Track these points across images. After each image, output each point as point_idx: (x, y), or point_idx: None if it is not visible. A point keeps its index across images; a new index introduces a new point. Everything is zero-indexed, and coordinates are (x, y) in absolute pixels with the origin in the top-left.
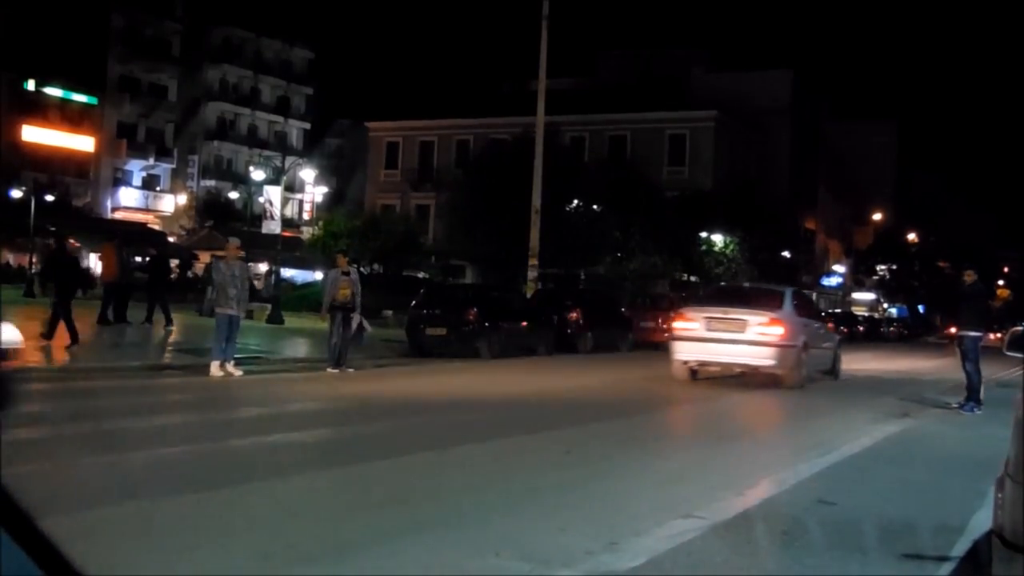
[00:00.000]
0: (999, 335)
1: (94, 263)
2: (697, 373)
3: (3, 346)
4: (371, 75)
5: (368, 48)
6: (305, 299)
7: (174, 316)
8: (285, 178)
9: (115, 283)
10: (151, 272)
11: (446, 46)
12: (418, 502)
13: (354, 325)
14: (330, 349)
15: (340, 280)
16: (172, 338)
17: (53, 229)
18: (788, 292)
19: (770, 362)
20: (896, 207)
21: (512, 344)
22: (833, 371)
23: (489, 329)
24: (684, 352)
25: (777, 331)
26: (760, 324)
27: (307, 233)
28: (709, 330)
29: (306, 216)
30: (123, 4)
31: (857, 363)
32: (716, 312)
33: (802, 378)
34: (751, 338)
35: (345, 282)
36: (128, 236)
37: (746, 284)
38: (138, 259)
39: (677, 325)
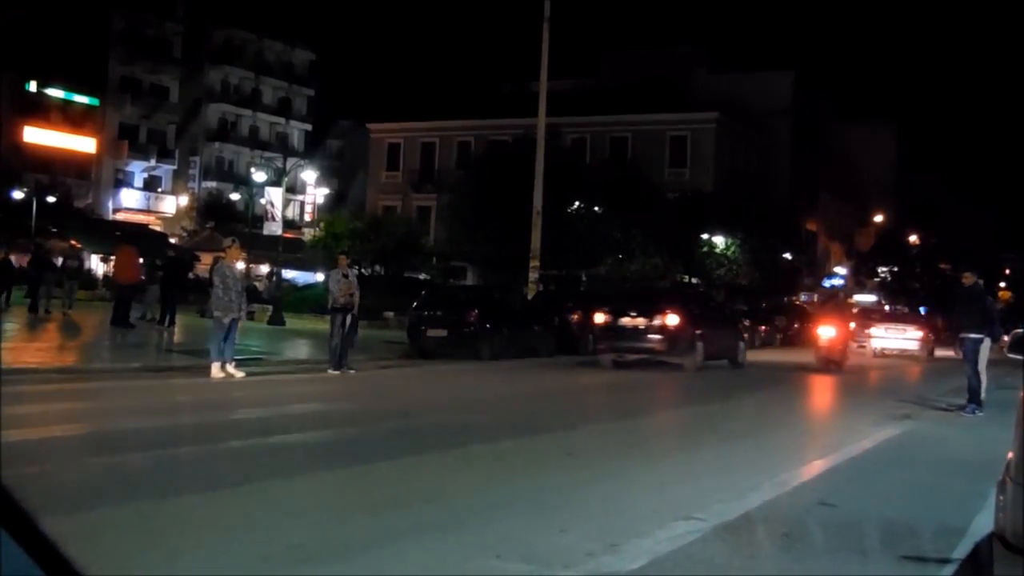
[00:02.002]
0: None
1: (95, 264)
2: (877, 355)
3: None
4: (372, 76)
5: (369, 49)
6: (306, 300)
7: (176, 317)
8: (286, 179)
9: (133, 285)
10: (167, 274)
11: (447, 47)
12: (419, 503)
13: (337, 326)
14: (331, 350)
15: (341, 282)
16: (173, 339)
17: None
18: (924, 311)
19: (915, 348)
20: (897, 208)
21: (513, 346)
22: (931, 354)
23: (490, 331)
24: (875, 342)
25: (920, 333)
26: (913, 329)
27: (308, 234)
28: (886, 332)
29: (307, 217)
30: (124, 5)
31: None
32: (890, 324)
33: (927, 358)
34: (908, 336)
35: (345, 284)
36: (131, 238)
37: (904, 310)
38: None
39: (870, 331)
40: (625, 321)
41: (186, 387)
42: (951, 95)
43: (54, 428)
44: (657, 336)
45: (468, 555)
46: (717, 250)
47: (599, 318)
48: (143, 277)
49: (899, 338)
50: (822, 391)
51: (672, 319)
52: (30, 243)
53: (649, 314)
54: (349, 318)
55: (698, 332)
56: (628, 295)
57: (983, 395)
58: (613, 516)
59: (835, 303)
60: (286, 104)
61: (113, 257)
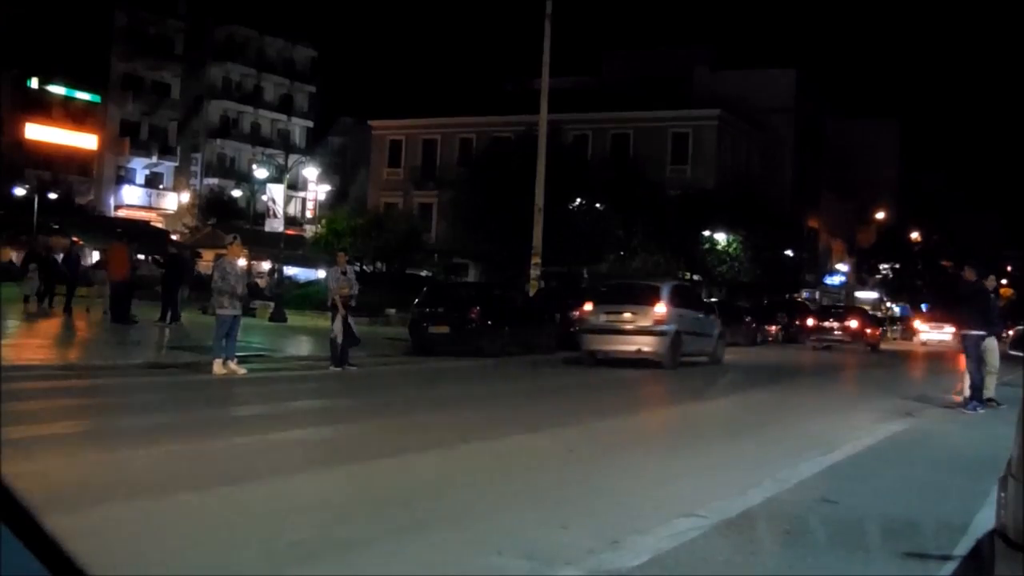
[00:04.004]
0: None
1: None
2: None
3: None
4: (374, 73)
5: (371, 46)
6: (308, 297)
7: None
8: (288, 176)
9: (126, 282)
10: (168, 271)
11: (449, 44)
12: (420, 500)
13: (338, 323)
14: (332, 347)
15: (339, 280)
16: (176, 336)
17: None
18: (925, 309)
19: (950, 340)
20: (899, 206)
21: (515, 342)
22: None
23: (492, 327)
24: (922, 336)
25: (953, 329)
26: (947, 326)
27: (310, 231)
28: (930, 328)
29: (309, 214)
30: (126, 2)
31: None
32: (931, 322)
33: (958, 346)
34: (944, 331)
35: (344, 282)
36: (132, 234)
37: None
38: (150, 257)
39: (917, 327)
40: (825, 323)
41: (188, 384)
42: (953, 92)
43: (56, 425)
44: (842, 332)
45: (470, 552)
46: (719, 247)
47: (810, 322)
48: (138, 272)
49: (938, 333)
50: (858, 380)
51: (854, 322)
52: (31, 240)
53: (841, 319)
54: (342, 315)
55: (865, 330)
56: (827, 309)
57: (993, 392)
58: (614, 513)
59: None
60: (288, 101)
61: (64, 253)
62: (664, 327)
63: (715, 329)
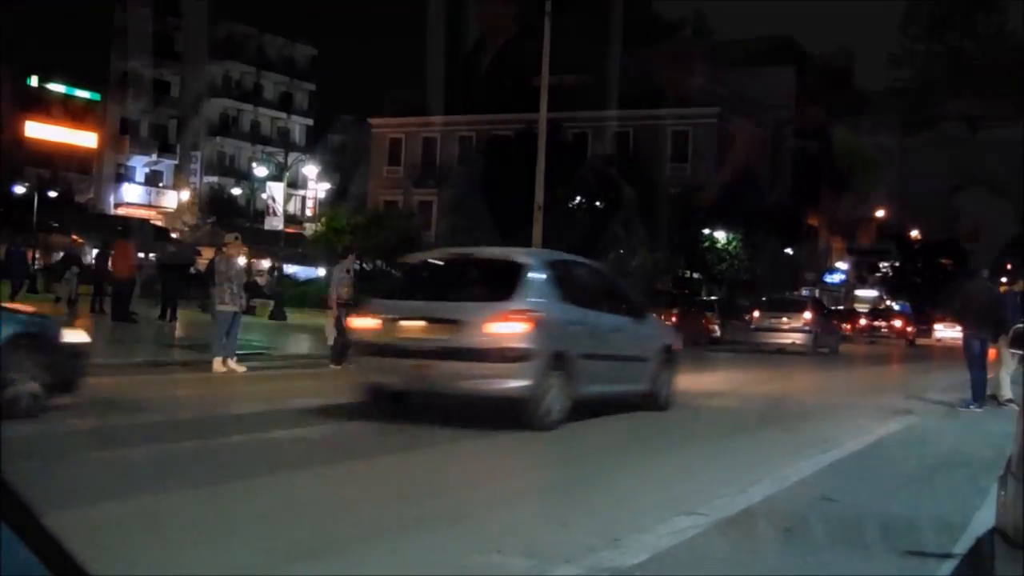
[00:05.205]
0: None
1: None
2: (938, 341)
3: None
4: (373, 71)
5: (370, 44)
6: (307, 295)
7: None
8: (288, 174)
9: (129, 279)
10: (168, 269)
11: (448, 41)
12: (420, 498)
13: (330, 323)
14: (332, 345)
15: (344, 279)
16: (175, 334)
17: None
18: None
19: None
20: (899, 203)
21: None
22: None
23: None
24: (938, 333)
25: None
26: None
27: (310, 229)
28: (944, 327)
29: (309, 212)
30: (126, 0)
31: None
32: (946, 322)
33: None
34: (958, 329)
35: (347, 281)
36: (129, 232)
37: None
38: (151, 256)
39: (935, 327)
40: (875, 323)
41: (188, 382)
42: None
43: (55, 423)
44: (888, 329)
45: (469, 550)
46: (718, 245)
47: (863, 321)
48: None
49: (951, 331)
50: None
51: (897, 322)
52: (30, 238)
53: (887, 319)
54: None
55: (906, 328)
56: (875, 312)
57: (1009, 391)
58: (614, 511)
59: None
60: (287, 99)
61: (98, 251)
62: (810, 327)
63: (836, 331)
